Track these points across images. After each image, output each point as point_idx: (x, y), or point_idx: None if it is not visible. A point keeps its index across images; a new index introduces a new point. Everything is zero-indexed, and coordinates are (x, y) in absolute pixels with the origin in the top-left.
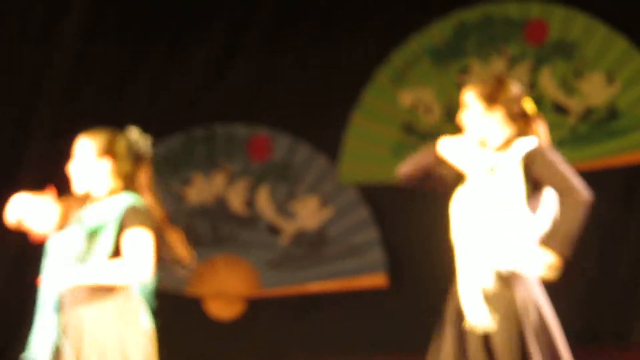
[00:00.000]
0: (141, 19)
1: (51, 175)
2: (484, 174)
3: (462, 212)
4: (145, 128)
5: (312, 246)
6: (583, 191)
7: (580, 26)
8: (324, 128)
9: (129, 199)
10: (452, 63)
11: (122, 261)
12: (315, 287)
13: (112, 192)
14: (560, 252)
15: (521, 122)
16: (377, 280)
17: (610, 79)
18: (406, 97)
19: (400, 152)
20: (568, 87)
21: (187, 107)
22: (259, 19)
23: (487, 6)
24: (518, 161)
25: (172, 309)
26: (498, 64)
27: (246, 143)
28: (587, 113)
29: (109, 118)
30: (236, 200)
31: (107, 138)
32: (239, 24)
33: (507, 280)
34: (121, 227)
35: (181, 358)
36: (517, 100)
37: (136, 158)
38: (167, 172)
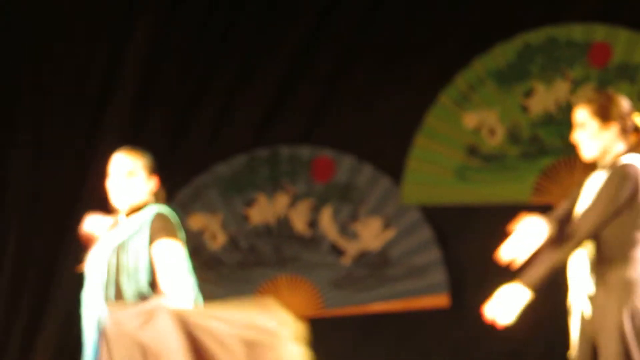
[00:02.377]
0: (208, 42)
1: None
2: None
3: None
4: (211, 149)
5: (375, 267)
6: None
7: None
8: (387, 150)
9: (157, 208)
10: (516, 85)
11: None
12: (378, 307)
13: (142, 205)
14: None
15: (632, 137)
16: (439, 301)
17: None
18: (470, 120)
19: (463, 174)
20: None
21: (252, 129)
22: (325, 43)
23: (551, 28)
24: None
25: None
26: (562, 87)
27: (309, 164)
28: None
29: (175, 141)
30: (299, 221)
31: (151, 158)
32: (306, 48)
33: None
34: (151, 238)
35: None
36: (629, 115)
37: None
38: (231, 192)
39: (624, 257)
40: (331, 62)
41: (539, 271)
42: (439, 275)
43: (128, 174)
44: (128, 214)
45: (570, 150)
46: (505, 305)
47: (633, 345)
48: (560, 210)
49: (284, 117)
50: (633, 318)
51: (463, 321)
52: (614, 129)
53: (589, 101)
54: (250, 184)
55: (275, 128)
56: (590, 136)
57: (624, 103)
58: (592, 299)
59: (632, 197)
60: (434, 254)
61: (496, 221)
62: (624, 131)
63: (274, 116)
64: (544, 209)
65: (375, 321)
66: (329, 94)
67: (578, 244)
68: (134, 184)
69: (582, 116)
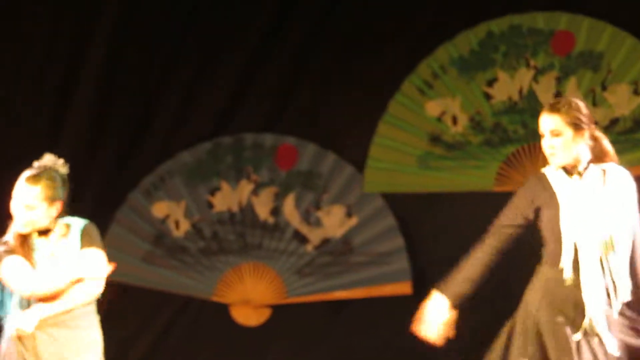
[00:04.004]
0: (171, 30)
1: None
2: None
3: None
4: (175, 137)
5: (338, 255)
6: None
7: (607, 37)
8: (350, 138)
9: (79, 221)
10: (479, 74)
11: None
12: (341, 295)
13: (57, 218)
14: None
15: (594, 141)
16: (402, 288)
17: (637, 89)
18: (433, 108)
19: (426, 162)
20: (595, 98)
21: (216, 117)
22: (287, 31)
23: (514, 16)
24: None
25: (199, 316)
26: (525, 75)
27: (273, 152)
28: (612, 123)
29: (139, 129)
30: (262, 208)
31: (59, 179)
32: (269, 36)
33: None
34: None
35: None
36: (593, 121)
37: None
38: (195, 180)
39: None
40: (294, 50)
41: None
42: (402, 263)
43: (27, 208)
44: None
45: (533, 138)
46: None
47: None
48: (506, 220)
49: (248, 106)
50: None
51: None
52: (585, 135)
53: (563, 109)
54: (214, 172)
55: (239, 116)
56: (563, 144)
57: (588, 111)
58: None
59: None
60: (396, 241)
61: (459, 209)
62: (591, 137)
63: (237, 104)
64: (506, 197)
65: (339, 308)
66: (292, 82)
67: None
68: (32, 215)
69: (556, 125)
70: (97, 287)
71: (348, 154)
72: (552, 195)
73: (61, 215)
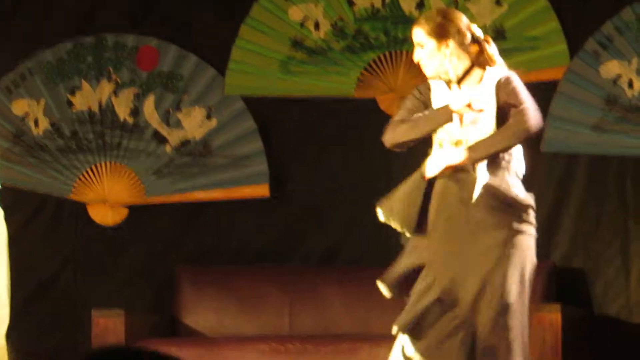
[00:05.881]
0: None
1: None
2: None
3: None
4: (37, 35)
5: (197, 156)
6: (530, 120)
7: None
8: (212, 40)
9: None
10: None
11: None
12: (199, 196)
13: None
14: (471, 156)
15: (475, 47)
16: (259, 190)
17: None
18: (295, 13)
19: (287, 66)
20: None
21: (77, 16)
22: None
23: None
24: (493, 92)
25: (57, 214)
26: None
27: (134, 53)
28: None
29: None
30: (122, 109)
31: None
32: None
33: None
34: None
35: (63, 262)
36: (467, 29)
37: None
38: (55, 79)
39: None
40: None
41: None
42: (261, 166)
43: None
44: None
45: (394, 45)
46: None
47: None
48: None
49: (110, 5)
50: None
51: (282, 210)
52: (451, 44)
53: (425, 20)
54: (75, 71)
55: (101, 16)
56: (429, 55)
57: (460, 17)
58: None
59: None
60: (255, 144)
61: (318, 113)
62: (463, 44)
63: (99, 4)
64: (365, 103)
65: (197, 210)
66: None
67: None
68: None
69: (419, 36)
70: None
71: (210, 56)
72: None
73: None
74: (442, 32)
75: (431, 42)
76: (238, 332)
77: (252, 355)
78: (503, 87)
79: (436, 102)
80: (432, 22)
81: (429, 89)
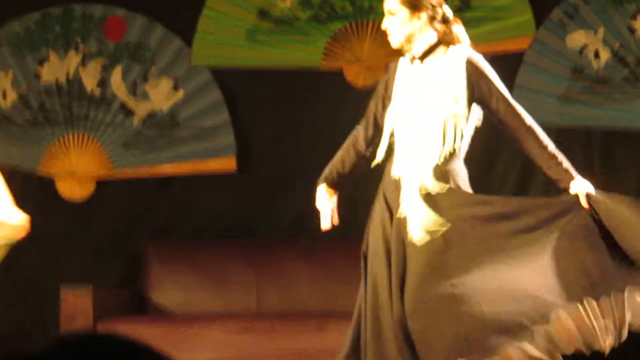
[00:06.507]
0: None
1: None
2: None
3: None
4: (4, 7)
5: (164, 128)
6: (527, 117)
7: None
8: (179, 10)
9: None
10: None
11: None
12: (166, 169)
13: None
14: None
15: (443, 27)
16: (226, 163)
17: None
18: None
19: (253, 36)
20: None
21: None
22: None
23: None
24: (462, 69)
25: (25, 187)
26: None
27: (102, 23)
28: None
29: None
30: (90, 80)
31: None
32: None
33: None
34: None
35: (30, 237)
36: (439, 5)
37: None
38: (23, 50)
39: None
40: None
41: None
42: (227, 138)
43: None
44: None
45: (360, 15)
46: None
47: None
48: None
49: None
50: None
51: (249, 183)
52: (423, 17)
53: None
54: (43, 42)
55: None
56: (399, 24)
57: None
58: None
59: None
60: (222, 116)
61: (286, 84)
62: (434, 20)
63: None
64: (332, 75)
65: (163, 183)
66: None
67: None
68: None
69: (392, 4)
70: None
71: (177, 26)
72: (392, 84)
73: None
74: (416, 3)
75: (403, 11)
76: (206, 309)
77: (221, 335)
78: (473, 66)
79: (400, 82)
80: None
81: (394, 71)
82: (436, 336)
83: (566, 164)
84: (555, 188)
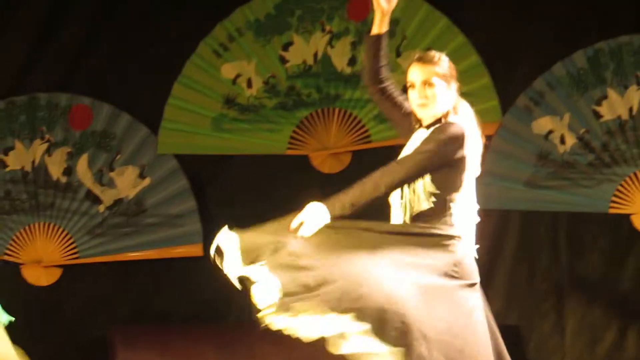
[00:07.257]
0: None
1: None
2: None
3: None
4: None
5: (130, 215)
6: (401, 171)
7: (402, 3)
8: (145, 99)
9: None
10: (274, 37)
11: None
12: (133, 256)
13: None
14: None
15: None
16: (193, 250)
17: None
18: (228, 70)
19: (219, 124)
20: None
21: (10, 76)
22: None
23: None
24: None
25: None
26: (320, 39)
27: (67, 112)
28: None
29: None
30: (56, 168)
31: None
32: None
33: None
34: None
35: None
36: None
37: None
38: None
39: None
40: (91, 9)
41: (342, 200)
42: (194, 225)
43: None
44: None
45: (327, 102)
46: (307, 221)
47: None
48: None
49: (42, 64)
50: None
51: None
52: (453, 89)
53: (437, 60)
54: (8, 131)
55: (34, 75)
56: (438, 95)
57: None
58: None
59: (456, 156)
60: (189, 203)
61: (252, 171)
62: (454, 92)
63: (32, 63)
64: (299, 160)
65: (130, 269)
66: (88, 41)
67: (386, 186)
68: None
69: (429, 75)
70: None
71: (143, 115)
72: None
73: None
74: (451, 74)
75: (441, 83)
76: None
77: None
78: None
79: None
80: (444, 63)
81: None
82: None
83: (344, 194)
84: None
